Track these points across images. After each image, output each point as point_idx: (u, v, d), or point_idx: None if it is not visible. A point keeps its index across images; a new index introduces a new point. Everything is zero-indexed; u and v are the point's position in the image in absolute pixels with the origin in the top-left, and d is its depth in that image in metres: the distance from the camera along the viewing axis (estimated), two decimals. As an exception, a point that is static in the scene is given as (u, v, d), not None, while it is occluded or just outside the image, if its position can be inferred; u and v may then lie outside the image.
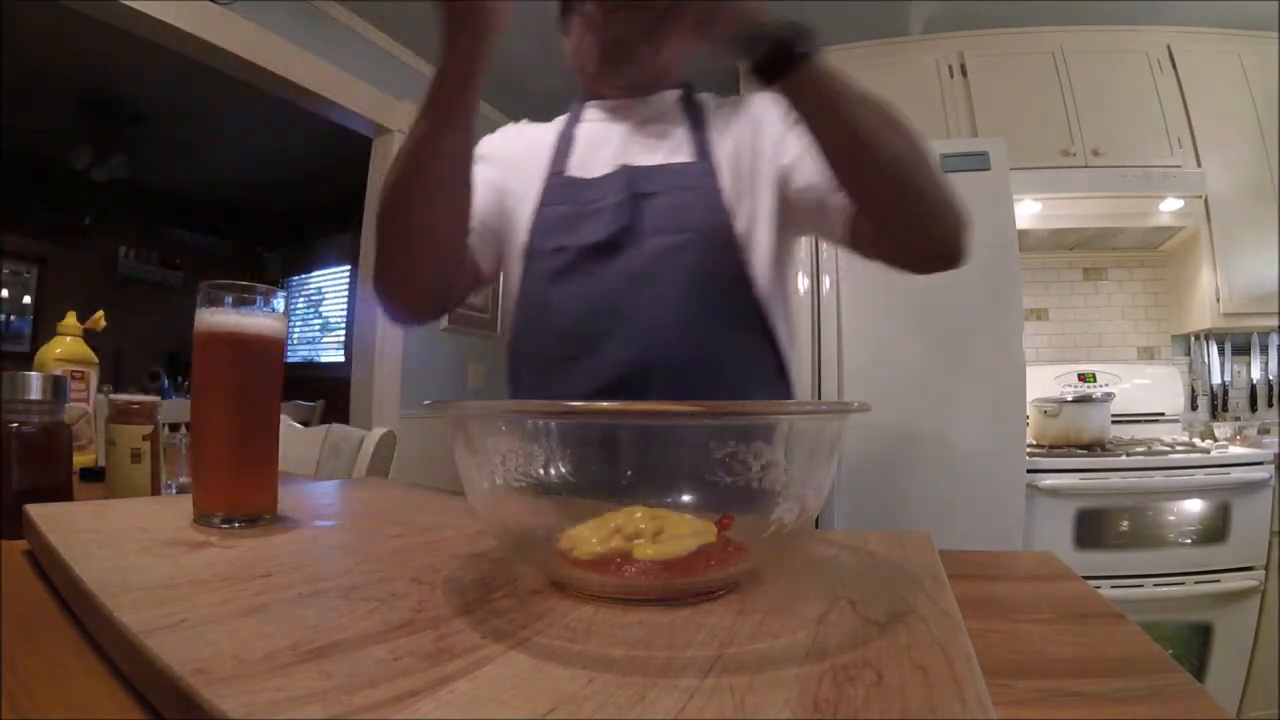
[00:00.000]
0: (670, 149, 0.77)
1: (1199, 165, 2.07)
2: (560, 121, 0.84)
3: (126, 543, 0.38)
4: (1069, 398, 1.97)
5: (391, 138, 2.42)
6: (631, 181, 0.74)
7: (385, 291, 0.68)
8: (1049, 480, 1.65)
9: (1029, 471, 1.63)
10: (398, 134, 2.42)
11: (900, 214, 0.63)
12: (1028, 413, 1.86)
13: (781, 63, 0.55)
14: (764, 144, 0.75)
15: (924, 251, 0.66)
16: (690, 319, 0.70)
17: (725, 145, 0.76)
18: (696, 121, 0.79)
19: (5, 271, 3.76)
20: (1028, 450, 1.71)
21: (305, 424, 1.63)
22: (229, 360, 0.47)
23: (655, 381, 0.69)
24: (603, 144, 0.79)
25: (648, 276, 0.71)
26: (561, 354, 0.74)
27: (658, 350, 0.69)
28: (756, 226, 0.74)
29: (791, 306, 0.80)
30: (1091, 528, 1.65)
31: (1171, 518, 1.64)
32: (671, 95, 0.81)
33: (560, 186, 0.77)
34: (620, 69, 0.77)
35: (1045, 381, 2.20)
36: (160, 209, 4.53)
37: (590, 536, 0.32)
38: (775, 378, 0.76)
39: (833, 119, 0.58)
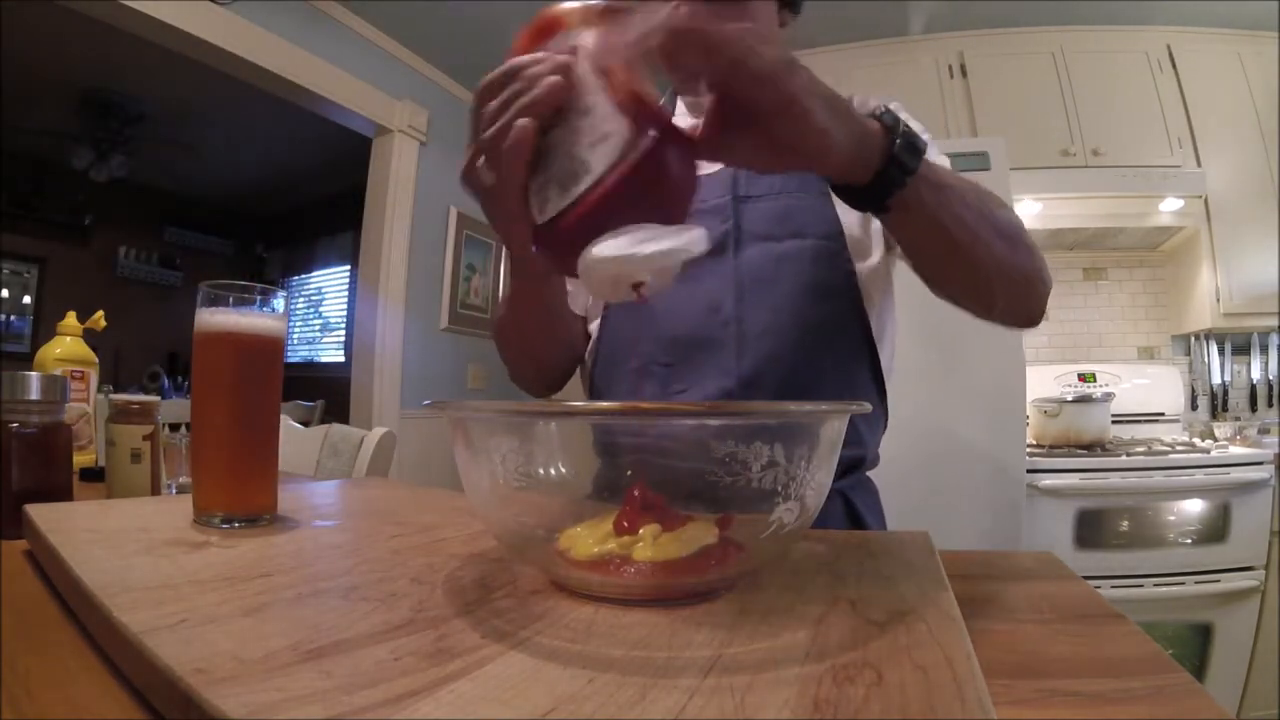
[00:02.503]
0: None
1: (1199, 165, 2.07)
2: None
3: (126, 543, 0.38)
4: (1069, 398, 1.97)
5: (391, 137, 2.42)
6: (733, 183, 0.71)
7: (520, 386, 0.77)
8: (1049, 480, 1.66)
9: (1029, 471, 1.63)
10: (398, 134, 2.42)
11: (983, 305, 0.61)
12: (1028, 413, 1.86)
13: (878, 189, 0.42)
14: None
15: (1000, 320, 0.64)
16: (805, 330, 0.67)
17: None
18: None
19: (5, 271, 3.77)
20: (1028, 450, 1.71)
21: (305, 424, 1.63)
22: (229, 360, 0.47)
23: (763, 393, 0.65)
24: None
25: (761, 283, 0.68)
26: (663, 360, 0.71)
27: (770, 361, 0.66)
28: (869, 236, 0.70)
29: (893, 325, 0.75)
30: (1091, 528, 1.65)
31: (1171, 518, 1.64)
32: None
33: None
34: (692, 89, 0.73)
35: (1045, 381, 2.20)
36: (160, 209, 4.53)
37: (587, 537, 0.32)
38: (876, 399, 0.71)
39: (929, 239, 0.51)
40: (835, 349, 0.69)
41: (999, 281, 0.56)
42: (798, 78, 0.36)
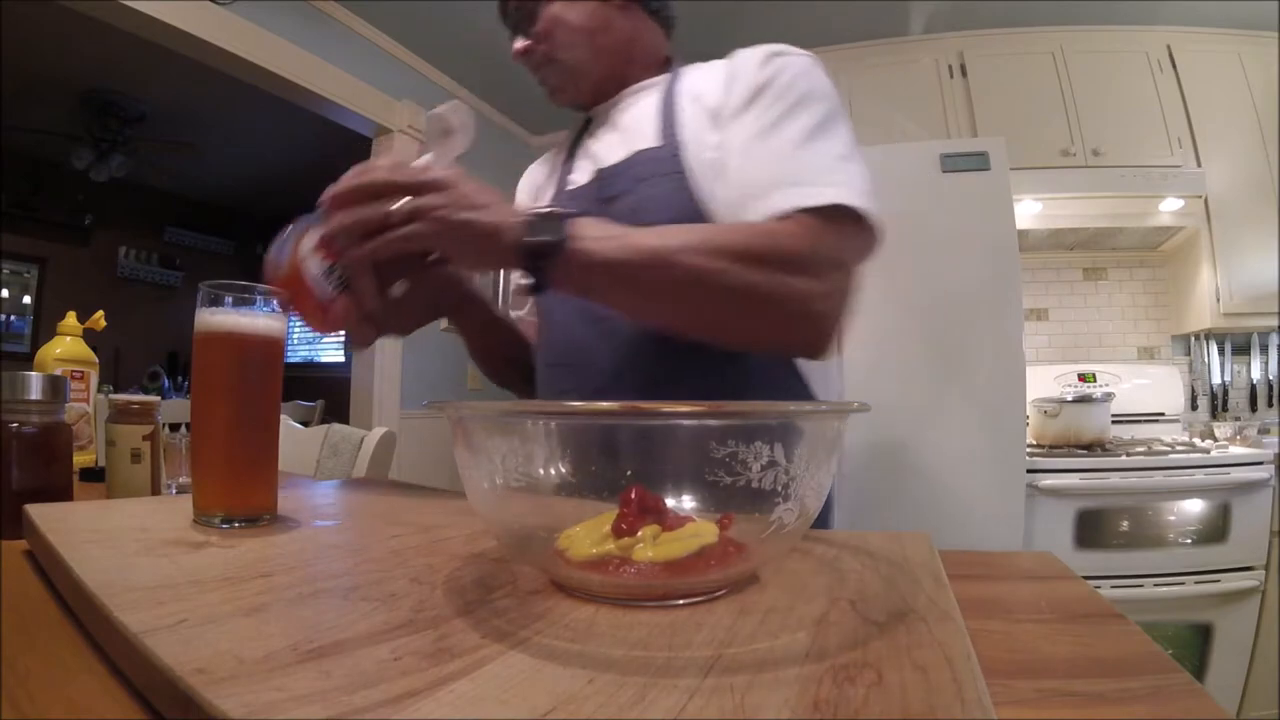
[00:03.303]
0: (636, 139, 0.72)
1: (1199, 165, 2.07)
2: (565, 137, 0.86)
3: (126, 543, 0.38)
4: (1069, 398, 1.97)
5: (391, 137, 2.42)
6: (600, 186, 0.73)
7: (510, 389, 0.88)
8: (1049, 480, 1.66)
9: (1029, 471, 1.63)
10: (397, 133, 2.42)
11: (715, 342, 0.60)
12: (1028, 413, 1.86)
13: (535, 269, 0.51)
14: (722, 122, 0.67)
15: (770, 352, 0.66)
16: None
17: (695, 117, 0.69)
18: (668, 101, 0.72)
19: (5, 271, 3.77)
20: (1028, 450, 1.71)
21: (305, 424, 1.63)
22: (229, 360, 0.47)
23: (626, 387, 0.68)
24: (586, 154, 0.79)
25: None
26: (558, 361, 0.76)
27: (632, 356, 0.68)
28: (739, 210, 0.63)
29: None
30: (1091, 528, 1.65)
31: (1171, 518, 1.64)
32: (644, 84, 0.77)
33: (560, 202, 0.77)
34: (558, 99, 0.80)
35: (1045, 381, 2.20)
36: (160, 209, 4.53)
37: (585, 538, 0.32)
38: (779, 372, 0.70)
39: (617, 303, 0.57)
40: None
41: (708, 331, 0.59)
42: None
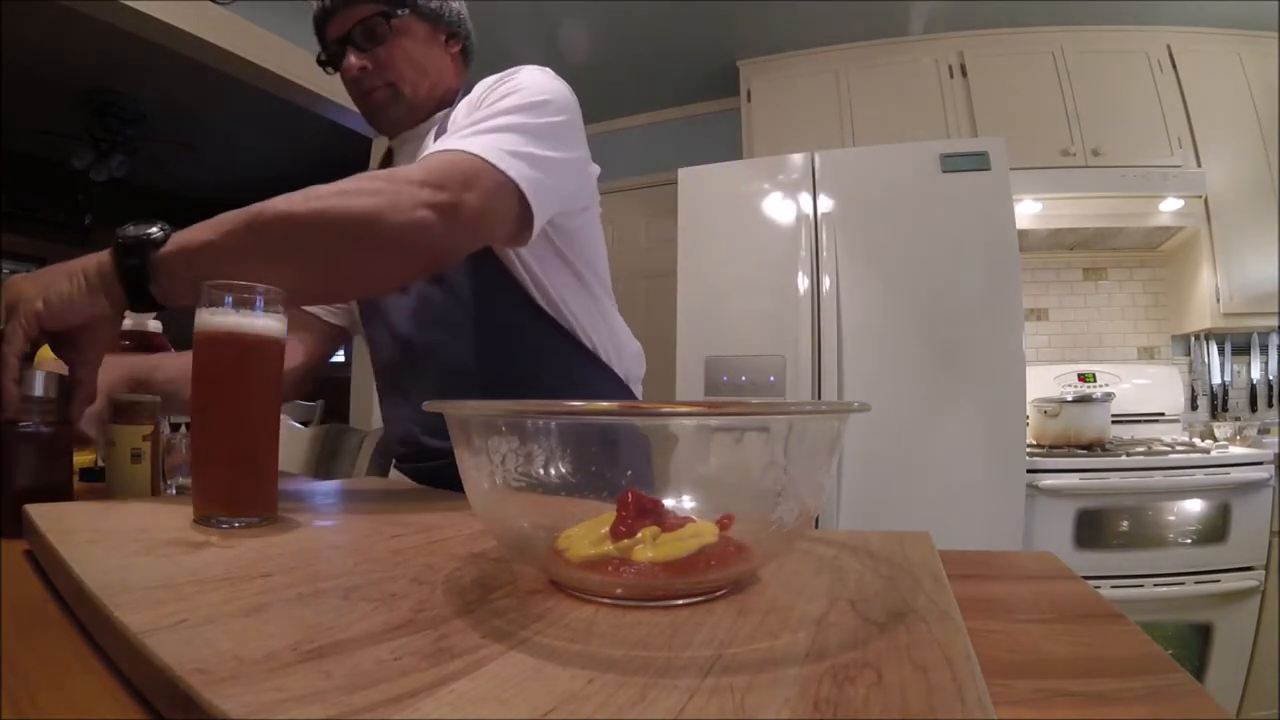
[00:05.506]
0: None
1: (1199, 165, 2.07)
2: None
3: (126, 543, 0.38)
4: (1069, 398, 1.97)
5: (391, 138, 2.41)
6: None
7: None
8: (1049, 480, 1.66)
9: (1029, 471, 1.63)
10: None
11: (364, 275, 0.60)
12: (1028, 413, 1.86)
13: (135, 279, 0.51)
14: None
15: (399, 273, 0.63)
16: (480, 349, 0.74)
17: None
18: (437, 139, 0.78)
19: (5, 271, 3.77)
20: (1028, 450, 1.71)
21: (305, 424, 1.63)
22: (229, 360, 0.47)
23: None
24: None
25: (432, 315, 0.75)
26: (383, 385, 0.84)
27: (459, 387, 0.75)
28: None
29: (593, 291, 0.79)
30: (1091, 528, 1.65)
31: (1171, 518, 1.64)
32: (431, 119, 0.82)
33: None
34: (375, 123, 0.83)
35: (1045, 381, 2.20)
36: (160, 209, 4.52)
37: (583, 539, 0.32)
38: (582, 370, 0.77)
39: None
40: (522, 349, 0.75)
41: (335, 272, 0.58)
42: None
